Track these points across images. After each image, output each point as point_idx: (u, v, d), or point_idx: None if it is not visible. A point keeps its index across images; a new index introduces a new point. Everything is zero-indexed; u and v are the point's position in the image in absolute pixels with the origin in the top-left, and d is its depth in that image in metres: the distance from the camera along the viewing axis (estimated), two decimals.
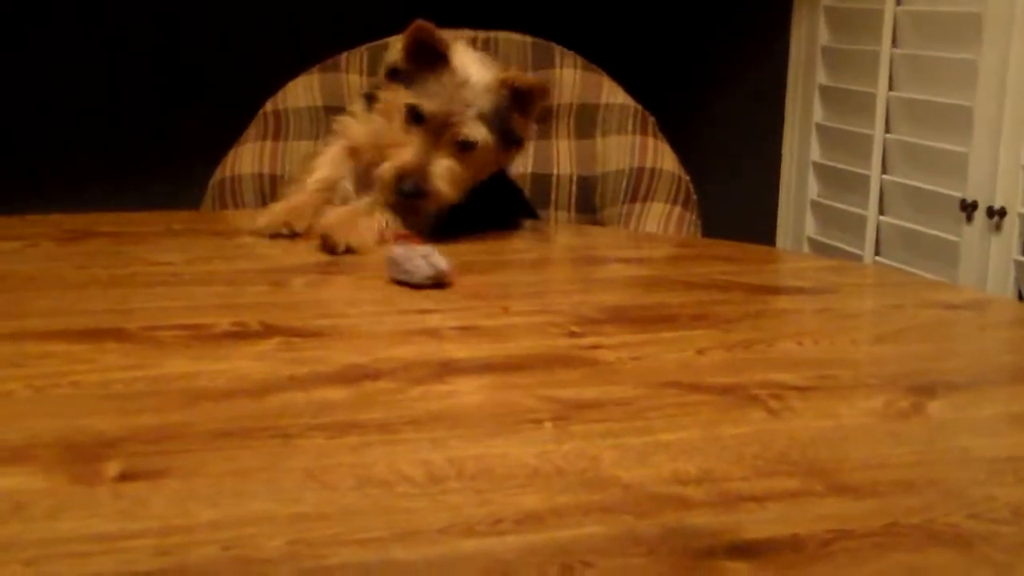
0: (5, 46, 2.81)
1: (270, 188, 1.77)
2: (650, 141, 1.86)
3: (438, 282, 1.22)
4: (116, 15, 2.86)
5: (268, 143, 1.80)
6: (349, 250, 1.40)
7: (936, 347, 1.11)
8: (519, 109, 1.49)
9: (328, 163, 1.57)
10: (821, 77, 2.72)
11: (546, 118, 1.56)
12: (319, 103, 1.83)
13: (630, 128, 1.87)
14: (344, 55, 1.87)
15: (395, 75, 1.50)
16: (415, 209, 1.47)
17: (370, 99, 1.60)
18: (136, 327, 1.05)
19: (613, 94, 1.88)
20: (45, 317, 1.08)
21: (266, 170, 1.78)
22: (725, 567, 0.65)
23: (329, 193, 1.55)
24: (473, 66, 1.48)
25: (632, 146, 1.85)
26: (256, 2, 2.96)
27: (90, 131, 2.89)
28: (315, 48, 1.91)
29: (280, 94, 1.85)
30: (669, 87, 2.83)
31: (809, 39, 2.74)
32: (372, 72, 1.85)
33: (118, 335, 1.03)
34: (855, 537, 0.69)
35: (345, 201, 1.54)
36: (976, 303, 1.31)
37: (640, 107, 1.88)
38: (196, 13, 2.91)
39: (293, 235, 1.46)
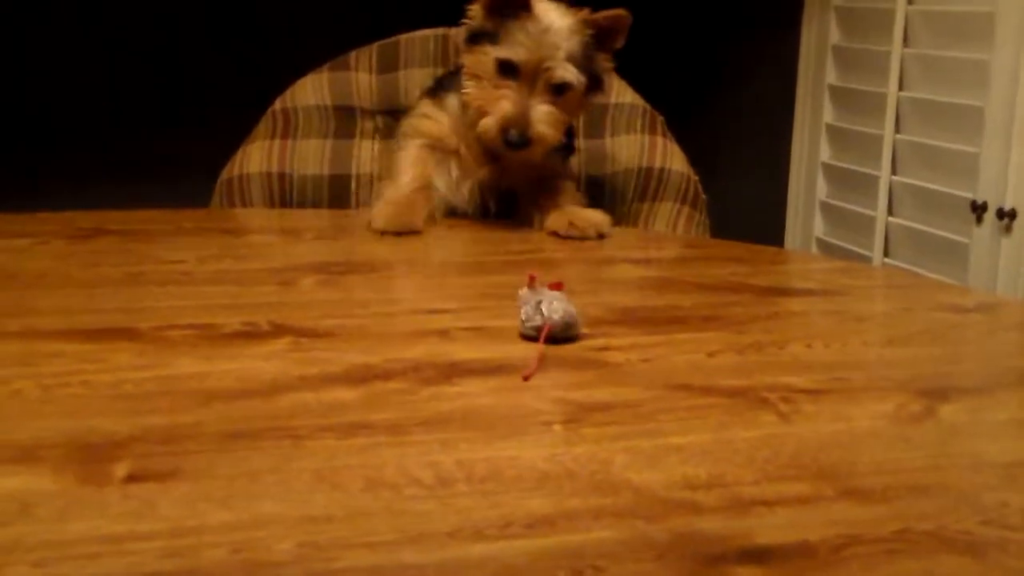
0: (10, 45, 2.82)
1: (278, 186, 1.77)
2: (659, 141, 1.86)
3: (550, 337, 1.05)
4: (122, 13, 2.86)
5: (277, 141, 1.80)
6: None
7: (947, 350, 1.10)
8: (600, 46, 1.55)
9: (414, 162, 1.62)
10: (831, 77, 2.71)
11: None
12: (328, 101, 1.83)
13: (639, 128, 1.86)
14: (354, 53, 1.86)
15: (477, 38, 1.55)
16: (522, 157, 1.53)
17: (434, 93, 1.66)
18: (147, 326, 1.05)
19: (622, 93, 1.88)
20: (55, 316, 1.08)
21: (275, 169, 1.78)
22: (736, 573, 0.65)
23: (427, 190, 1.60)
24: (553, 11, 1.53)
25: (641, 146, 1.85)
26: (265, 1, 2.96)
27: (98, 129, 2.89)
28: (324, 46, 1.91)
29: (289, 92, 1.84)
30: (678, 86, 2.83)
31: (819, 38, 2.74)
32: (382, 70, 1.84)
33: (128, 334, 1.03)
34: (866, 543, 0.69)
35: (443, 198, 1.61)
36: (986, 306, 1.30)
37: (649, 106, 1.88)
38: (203, 11, 2.92)
39: (413, 232, 1.52)
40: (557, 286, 1.09)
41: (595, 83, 1.56)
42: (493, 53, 1.51)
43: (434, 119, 1.63)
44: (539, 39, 1.50)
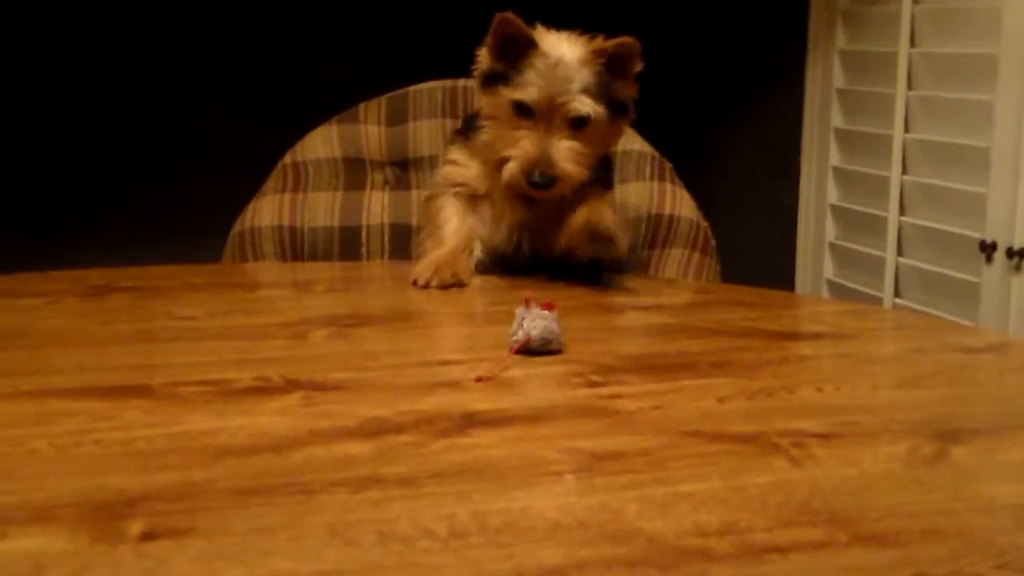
0: (17, 101, 2.84)
1: (289, 239, 1.78)
2: (668, 187, 1.86)
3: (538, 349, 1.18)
4: (131, 66, 2.89)
5: (287, 195, 1.81)
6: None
7: (958, 392, 1.10)
8: (617, 74, 1.52)
9: (452, 213, 1.60)
10: (837, 120, 2.72)
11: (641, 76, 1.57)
12: (338, 154, 1.84)
13: (648, 175, 1.87)
14: (362, 105, 1.88)
15: (490, 80, 1.53)
16: (550, 196, 1.52)
17: (464, 133, 1.65)
18: (159, 383, 1.05)
19: (630, 141, 1.89)
20: (68, 374, 1.09)
21: (286, 222, 1.79)
22: None
23: (469, 241, 1.59)
24: (563, 44, 1.51)
25: (650, 193, 1.86)
26: (274, 53, 2.98)
27: (109, 185, 2.91)
28: (333, 99, 1.93)
29: (298, 146, 1.86)
30: (686, 132, 2.84)
31: (824, 82, 2.75)
32: (390, 122, 1.86)
33: (141, 392, 1.03)
34: None
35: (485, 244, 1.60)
36: (997, 346, 1.30)
37: (657, 153, 1.89)
38: (214, 64, 2.94)
39: (460, 285, 1.51)
40: (547, 306, 1.19)
41: (619, 110, 1.54)
42: (507, 95, 1.50)
43: (463, 165, 1.61)
44: (550, 75, 1.48)
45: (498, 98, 1.52)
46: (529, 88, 1.48)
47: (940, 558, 0.73)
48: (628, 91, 1.54)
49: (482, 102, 1.57)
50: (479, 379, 1.07)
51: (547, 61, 1.49)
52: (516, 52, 1.50)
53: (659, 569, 0.70)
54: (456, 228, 1.58)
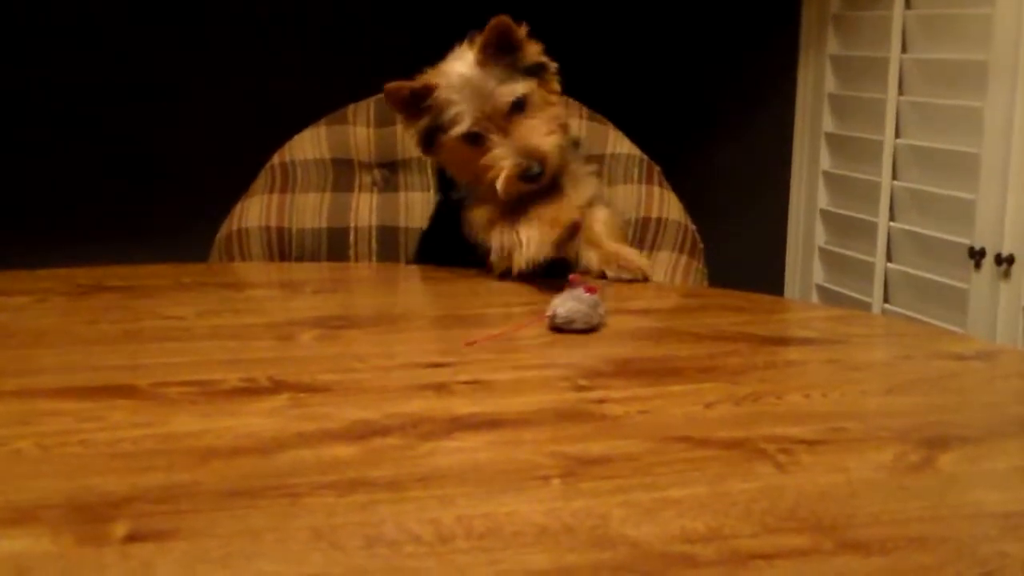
0: (12, 94, 2.83)
1: (277, 240, 1.78)
2: (656, 190, 1.86)
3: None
4: (121, 67, 2.88)
5: (275, 196, 1.81)
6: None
7: (946, 399, 1.10)
8: (511, 49, 1.52)
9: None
10: (828, 125, 2.73)
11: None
12: (326, 155, 1.84)
13: (636, 177, 1.87)
14: (351, 107, 1.88)
15: (428, 138, 1.55)
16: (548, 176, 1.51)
17: (458, 202, 1.62)
18: (145, 383, 1.05)
19: (619, 143, 1.89)
20: (55, 374, 1.09)
21: (273, 223, 1.78)
22: None
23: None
24: (454, 64, 1.52)
25: (638, 195, 1.86)
26: (263, 53, 2.98)
27: (96, 185, 2.90)
28: (322, 100, 1.92)
29: (287, 146, 1.86)
30: (675, 136, 2.84)
31: (815, 87, 2.75)
32: (379, 124, 1.86)
33: (127, 392, 1.03)
34: None
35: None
36: (986, 354, 1.30)
37: (646, 156, 1.89)
38: (202, 64, 2.94)
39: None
40: (590, 289, 1.28)
41: (537, 72, 1.54)
42: (452, 138, 1.51)
43: (483, 208, 1.57)
44: (467, 96, 1.49)
45: (447, 146, 1.53)
46: (462, 118, 1.50)
47: (926, 566, 0.73)
48: (531, 55, 1.54)
49: (440, 160, 1.59)
50: (468, 343, 1.16)
51: (455, 88, 1.50)
52: (425, 101, 1.52)
53: (644, 575, 0.70)
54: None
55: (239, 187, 1.83)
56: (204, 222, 1.88)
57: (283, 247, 1.78)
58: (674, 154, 2.07)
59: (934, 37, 2.39)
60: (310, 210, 1.80)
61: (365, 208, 1.83)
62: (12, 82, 2.82)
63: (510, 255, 1.52)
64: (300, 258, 1.78)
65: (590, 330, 1.27)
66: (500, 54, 1.51)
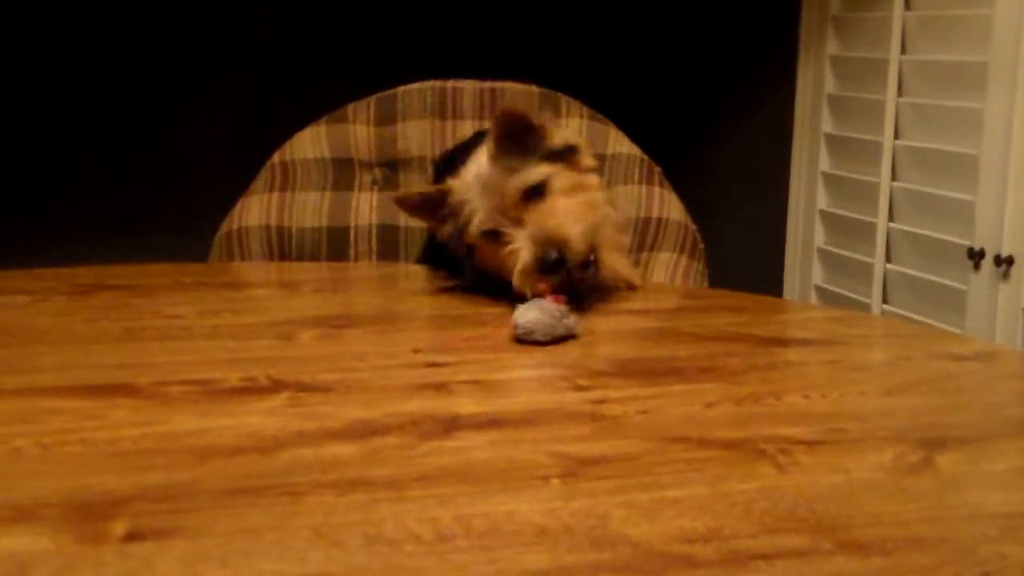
0: (12, 94, 2.83)
1: (277, 239, 1.78)
2: (656, 191, 1.87)
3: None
4: (119, 66, 2.88)
5: (275, 194, 1.81)
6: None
7: (945, 400, 1.11)
8: (523, 139, 1.41)
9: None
10: (827, 125, 2.73)
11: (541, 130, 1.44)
12: (327, 154, 1.84)
13: (636, 178, 1.87)
14: (351, 106, 1.88)
15: (456, 244, 1.46)
16: (579, 280, 1.38)
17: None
18: (146, 382, 1.05)
19: (619, 144, 1.89)
20: (55, 372, 1.09)
21: (273, 222, 1.78)
22: None
23: None
24: (470, 167, 1.43)
25: (638, 196, 1.86)
26: (263, 53, 2.98)
27: (97, 185, 2.90)
28: (322, 98, 1.92)
29: (287, 145, 1.86)
30: (675, 136, 2.84)
31: (815, 87, 2.76)
32: (379, 123, 1.86)
33: (128, 391, 1.03)
34: None
35: None
36: (985, 354, 1.30)
37: (646, 157, 1.89)
38: (201, 62, 2.94)
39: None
40: (557, 299, 1.25)
41: (562, 156, 1.42)
42: (473, 237, 1.41)
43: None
44: (479, 191, 1.40)
45: (476, 247, 1.43)
46: (476, 216, 1.39)
47: (925, 566, 0.73)
48: (553, 139, 1.43)
49: (479, 262, 1.46)
50: (416, 350, 1.18)
51: (469, 187, 1.41)
52: (444, 208, 1.44)
53: (644, 575, 0.70)
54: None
55: (239, 186, 1.83)
56: (204, 221, 1.88)
57: (283, 246, 1.78)
58: (674, 154, 2.07)
59: (934, 38, 2.40)
60: (310, 209, 1.80)
61: (365, 207, 1.83)
62: (12, 82, 2.82)
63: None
64: (300, 257, 1.78)
65: (553, 341, 1.22)
66: (515, 145, 1.40)
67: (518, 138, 1.40)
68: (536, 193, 1.38)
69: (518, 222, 1.37)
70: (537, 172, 1.38)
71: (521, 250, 1.35)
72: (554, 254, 1.33)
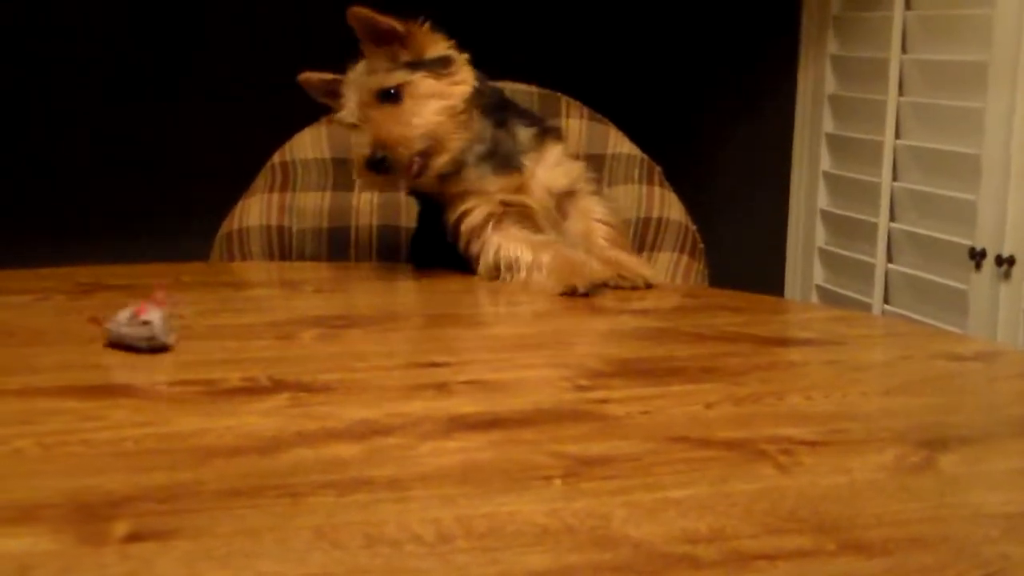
0: (12, 94, 2.83)
1: (278, 239, 1.78)
2: (656, 190, 1.86)
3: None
4: (120, 65, 2.88)
5: (276, 195, 1.81)
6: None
7: (947, 400, 1.10)
8: (391, 45, 1.50)
9: (520, 241, 1.52)
10: (828, 125, 2.72)
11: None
12: (327, 155, 1.84)
13: (636, 177, 1.87)
14: None
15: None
16: (405, 178, 1.49)
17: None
18: (146, 383, 1.05)
19: (619, 144, 1.89)
20: (56, 372, 1.09)
21: (274, 222, 1.78)
22: None
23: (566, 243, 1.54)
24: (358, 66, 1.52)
25: (639, 195, 1.86)
26: (263, 53, 2.97)
27: (97, 185, 2.90)
28: None
29: (288, 145, 1.86)
30: (675, 136, 2.84)
31: (816, 87, 2.75)
32: None
33: (128, 391, 1.03)
34: None
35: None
36: (986, 354, 1.30)
37: (646, 156, 1.89)
38: (202, 63, 2.93)
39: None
40: (160, 303, 1.16)
41: (436, 65, 1.50)
42: (339, 126, 1.56)
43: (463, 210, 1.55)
44: (349, 86, 1.51)
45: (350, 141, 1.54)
46: (343, 108, 1.51)
47: (927, 567, 0.73)
48: (425, 48, 1.52)
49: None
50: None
51: (349, 82, 1.52)
52: (339, 95, 1.54)
53: (646, 575, 0.70)
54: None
55: (239, 186, 1.83)
56: (204, 221, 1.88)
57: (283, 246, 1.78)
58: (674, 154, 2.07)
59: (934, 38, 2.39)
60: (311, 209, 1.80)
61: (366, 207, 1.83)
62: (12, 82, 2.82)
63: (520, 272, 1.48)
64: (300, 257, 1.78)
65: (148, 350, 1.14)
66: (382, 46, 1.50)
67: (387, 43, 1.49)
68: (389, 96, 1.46)
69: (368, 121, 1.46)
70: (393, 77, 1.47)
71: (360, 148, 1.45)
72: (379, 154, 1.42)
